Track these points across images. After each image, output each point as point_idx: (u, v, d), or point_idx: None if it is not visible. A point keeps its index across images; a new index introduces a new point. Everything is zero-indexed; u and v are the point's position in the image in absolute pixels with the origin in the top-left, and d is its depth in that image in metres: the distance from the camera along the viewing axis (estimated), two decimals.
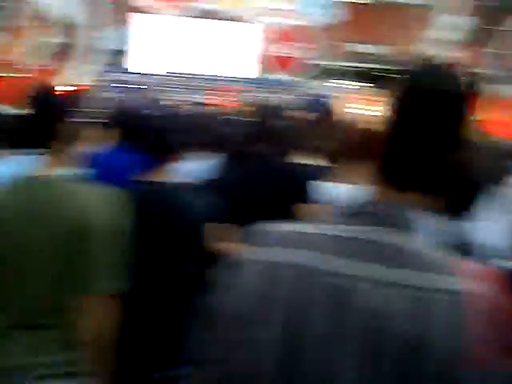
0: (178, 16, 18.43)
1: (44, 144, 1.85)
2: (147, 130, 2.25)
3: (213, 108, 13.24)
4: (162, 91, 17.06)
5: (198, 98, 17.28)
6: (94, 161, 2.99)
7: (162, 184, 2.21)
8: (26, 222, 1.73)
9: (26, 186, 1.80)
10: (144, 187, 2.18)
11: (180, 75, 18.22)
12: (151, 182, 2.19)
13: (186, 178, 2.66)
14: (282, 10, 18.57)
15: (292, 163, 2.82)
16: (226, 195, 2.40)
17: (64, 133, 1.88)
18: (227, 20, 18.62)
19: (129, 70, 18.29)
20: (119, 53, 18.74)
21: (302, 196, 2.45)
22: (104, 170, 2.85)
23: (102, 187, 1.87)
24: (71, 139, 1.91)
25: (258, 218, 1.09)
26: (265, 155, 2.64)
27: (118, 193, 1.84)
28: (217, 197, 2.37)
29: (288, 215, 1.52)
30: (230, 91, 18.31)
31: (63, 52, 15.35)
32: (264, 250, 0.92)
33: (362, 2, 30.73)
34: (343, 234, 0.89)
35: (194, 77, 18.30)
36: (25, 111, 1.90)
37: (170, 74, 18.14)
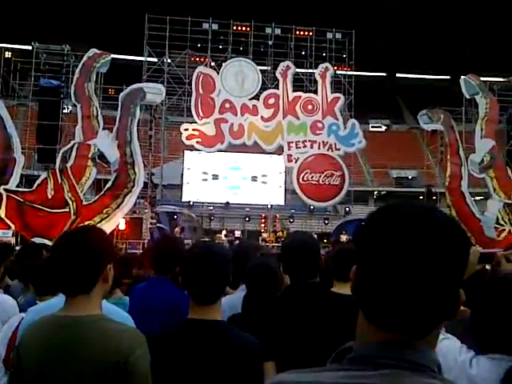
0: (223, 151, 20.64)
1: (86, 288, 1.85)
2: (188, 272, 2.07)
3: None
4: (212, 220, 19.83)
5: (248, 225, 19.72)
6: (134, 293, 3.33)
7: (215, 323, 2.04)
8: (56, 362, 1.73)
9: (59, 324, 1.80)
10: (196, 326, 2.02)
11: (224, 205, 20.74)
12: (202, 321, 2.02)
13: (232, 312, 2.72)
14: (311, 141, 20.49)
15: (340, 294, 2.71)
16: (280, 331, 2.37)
17: (102, 276, 1.89)
18: (262, 153, 20.77)
19: (182, 202, 20.73)
20: (173, 187, 21.57)
21: None
22: (143, 301, 3.12)
23: (132, 329, 1.90)
24: (106, 282, 1.92)
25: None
26: (320, 286, 2.60)
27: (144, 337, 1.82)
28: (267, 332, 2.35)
29: None
30: (271, 219, 20.70)
31: (117, 188, 16.58)
32: None
33: (379, 130, 32.70)
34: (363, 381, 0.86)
35: (237, 206, 20.65)
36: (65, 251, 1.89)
37: (217, 204, 20.70)
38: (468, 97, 20.14)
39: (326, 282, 3.06)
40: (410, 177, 30.22)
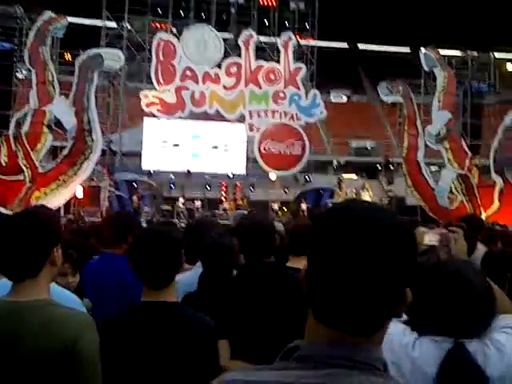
0: (184, 119, 20.46)
1: (32, 272, 1.77)
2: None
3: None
4: (172, 188, 19.73)
5: (208, 193, 19.73)
6: (86, 269, 3.22)
7: (169, 305, 2.04)
8: (6, 346, 1.68)
9: (3, 309, 1.76)
10: (150, 309, 2.01)
11: (185, 173, 20.65)
12: (156, 304, 2.01)
13: (188, 290, 2.70)
14: (273, 111, 20.54)
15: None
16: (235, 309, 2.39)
17: (50, 259, 1.80)
18: (224, 122, 20.74)
19: (141, 170, 20.54)
20: (132, 154, 21.25)
21: None
22: (97, 278, 3.05)
23: (80, 314, 1.85)
24: (54, 265, 1.84)
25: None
26: (273, 266, 2.60)
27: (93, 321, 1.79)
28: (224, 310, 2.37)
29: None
30: (232, 187, 20.76)
31: (74, 155, 16.26)
32: None
33: (340, 101, 32.90)
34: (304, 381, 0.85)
35: (198, 174, 20.59)
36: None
37: (177, 173, 20.58)
38: (427, 69, 20.46)
39: (282, 257, 3.10)
40: (368, 147, 30.66)
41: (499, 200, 17.73)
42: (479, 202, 17.90)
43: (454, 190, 18.30)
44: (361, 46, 39.97)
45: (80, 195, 16.92)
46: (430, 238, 2.08)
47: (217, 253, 2.73)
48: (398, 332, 1.67)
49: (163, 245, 2.05)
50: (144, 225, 8.14)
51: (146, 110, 19.83)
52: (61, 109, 16.41)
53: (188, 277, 2.89)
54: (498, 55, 26.40)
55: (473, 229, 3.95)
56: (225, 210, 19.76)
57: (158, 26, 23.30)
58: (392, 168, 22.82)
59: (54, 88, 16.77)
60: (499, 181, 17.86)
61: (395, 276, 0.91)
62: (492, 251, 3.54)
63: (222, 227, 4.58)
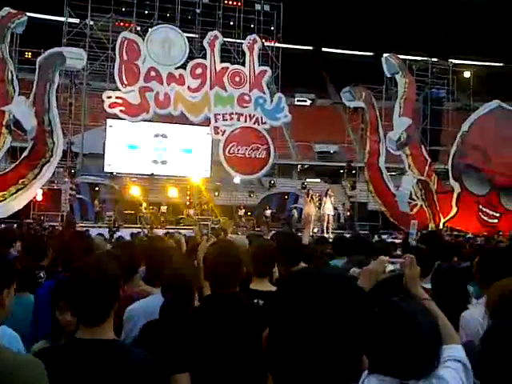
0: (148, 121, 20.17)
1: None
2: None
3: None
4: (134, 192, 19.43)
5: (172, 198, 19.53)
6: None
7: (105, 343, 1.90)
8: None
9: None
10: (81, 348, 1.86)
11: (149, 177, 20.37)
12: (98, 341, 1.86)
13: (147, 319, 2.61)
14: (238, 114, 20.53)
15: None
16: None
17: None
18: (189, 124, 20.59)
19: (104, 172, 20.10)
20: (95, 156, 20.83)
21: None
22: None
23: (31, 362, 1.58)
24: (2, 307, 1.72)
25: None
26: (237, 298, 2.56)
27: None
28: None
29: None
30: (197, 191, 20.63)
31: (34, 158, 15.90)
32: None
33: (304, 104, 33.03)
34: None
35: (162, 178, 20.30)
36: None
37: (141, 176, 20.29)
38: (389, 75, 20.91)
39: (245, 279, 3.00)
40: (332, 151, 31.06)
41: (457, 206, 18.30)
42: (438, 208, 18.42)
43: (413, 195, 18.77)
44: (325, 50, 40.41)
45: (40, 198, 16.51)
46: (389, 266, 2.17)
47: (177, 285, 2.67)
48: None
49: (96, 281, 1.93)
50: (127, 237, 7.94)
51: (109, 111, 19.47)
52: (20, 109, 15.99)
53: (146, 305, 2.85)
54: (456, 62, 27.14)
55: (432, 248, 4.08)
56: (189, 216, 19.63)
57: (122, 24, 22.92)
58: (354, 172, 23.20)
59: (13, 87, 16.34)
60: (457, 187, 18.42)
61: (349, 342, 0.94)
62: (440, 268, 3.66)
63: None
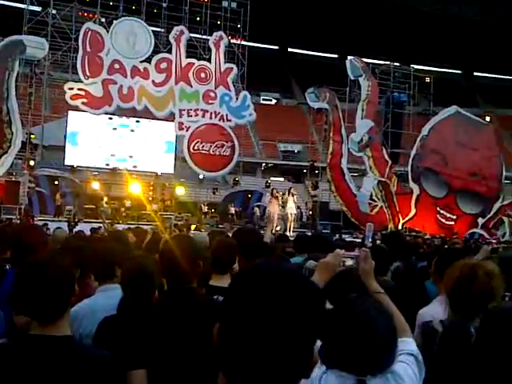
0: (111, 114, 19.84)
1: None
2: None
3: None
4: (95, 186, 19.08)
5: (135, 193, 19.24)
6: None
7: (60, 340, 1.85)
8: None
9: None
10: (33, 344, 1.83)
11: (110, 171, 20.04)
12: (50, 338, 1.83)
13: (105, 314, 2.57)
14: (203, 110, 20.43)
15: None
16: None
17: None
18: (153, 119, 20.36)
19: (64, 165, 19.66)
20: (55, 148, 20.34)
21: None
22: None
23: None
24: None
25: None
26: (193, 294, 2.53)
27: None
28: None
29: None
30: (159, 187, 20.44)
31: None
32: None
33: (269, 103, 33.17)
34: None
35: (124, 172, 20.02)
36: None
37: (102, 170, 19.93)
38: (352, 78, 21.22)
39: (205, 275, 2.97)
40: (296, 151, 31.30)
41: (416, 207, 18.78)
42: (397, 209, 18.85)
43: (374, 196, 19.15)
44: (291, 50, 40.66)
45: None
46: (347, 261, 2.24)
47: (137, 279, 2.64)
48: None
49: (47, 280, 1.85)
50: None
51: (70, 102, 19.04)
52: None
53: (109, 299, 2.80)
54: (418, 68, 27.81)
55: (393, 247, 4.22)
56: (154, 211, 19.39)
57: (86, 15, 22.44)
58: (317, 172, 23.47)
59: None
60: (416, 189, 18.91)
61: (299, 336, 0.95)
62: (397, 268, 4.07)
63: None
